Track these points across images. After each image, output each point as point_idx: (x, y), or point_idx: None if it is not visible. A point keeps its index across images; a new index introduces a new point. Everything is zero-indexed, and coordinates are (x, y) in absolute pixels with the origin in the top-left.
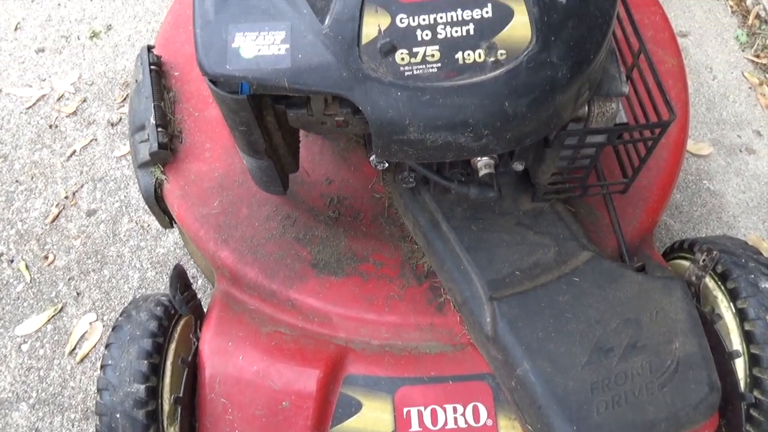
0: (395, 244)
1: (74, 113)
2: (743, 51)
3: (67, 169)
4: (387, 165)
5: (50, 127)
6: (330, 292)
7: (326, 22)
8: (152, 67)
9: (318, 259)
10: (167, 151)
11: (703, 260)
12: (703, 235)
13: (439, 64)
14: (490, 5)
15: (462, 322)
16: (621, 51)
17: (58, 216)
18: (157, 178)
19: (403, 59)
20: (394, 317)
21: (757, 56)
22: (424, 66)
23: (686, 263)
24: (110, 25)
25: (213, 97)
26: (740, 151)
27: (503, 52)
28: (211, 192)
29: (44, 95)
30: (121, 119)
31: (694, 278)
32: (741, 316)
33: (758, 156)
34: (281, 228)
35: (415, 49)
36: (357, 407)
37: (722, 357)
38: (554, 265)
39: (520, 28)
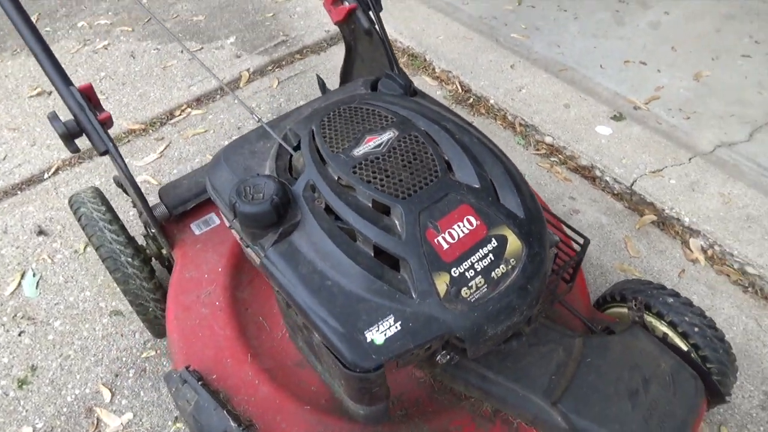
0: (459, 406)
1: None
2: (527, 150)
3: None
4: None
5: None
6: None
7: (414, 295)
8: (200, 383)
9: None
10: None
11: (636, 305)
12: (592, 280)
13: (486, 285)
14: (493, 239)
15: None
16: None
17: None
18: None
19: (466, 293)
20: None
21: (538, 150)
22: (479, 291)
23: (617, 309)
24: (33, 366)
25: (349, 382)
26: (571, 214)
27: (513, 260)
28: None
29: None
30: None
31: (637, 318)
32: (673, 326)
33: (583, 213)
34: None
35: (470, 284)
36: None
37: (685, 357)
38: (567, 358)
39: (514, 243)
